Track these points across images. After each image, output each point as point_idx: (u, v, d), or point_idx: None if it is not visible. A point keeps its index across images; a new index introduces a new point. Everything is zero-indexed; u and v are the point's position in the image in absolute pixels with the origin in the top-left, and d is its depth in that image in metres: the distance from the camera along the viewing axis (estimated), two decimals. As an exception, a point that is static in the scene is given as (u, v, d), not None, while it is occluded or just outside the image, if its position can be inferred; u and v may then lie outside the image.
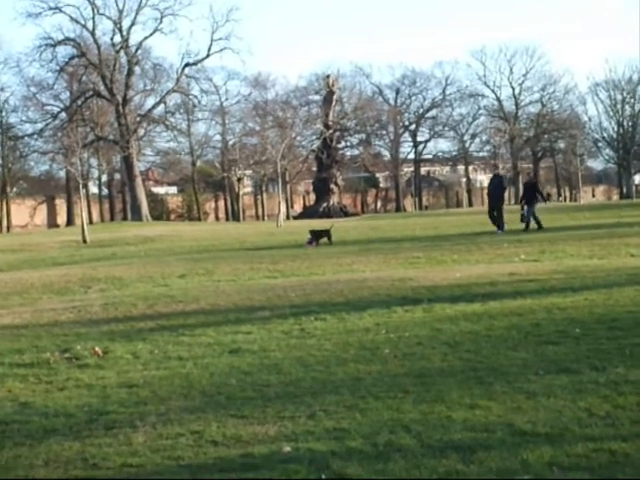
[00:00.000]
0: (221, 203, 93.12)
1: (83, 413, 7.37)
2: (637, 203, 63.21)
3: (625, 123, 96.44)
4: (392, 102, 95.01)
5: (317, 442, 6.17)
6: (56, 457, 6.20)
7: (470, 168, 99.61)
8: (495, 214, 29.27)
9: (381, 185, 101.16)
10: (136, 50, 72.22)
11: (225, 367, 8.89)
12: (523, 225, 28.93)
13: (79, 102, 72.84)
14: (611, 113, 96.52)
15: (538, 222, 29.05)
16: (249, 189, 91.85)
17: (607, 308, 10.93)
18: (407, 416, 6.68)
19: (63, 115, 72.80)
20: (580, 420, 6.36)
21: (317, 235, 27.93)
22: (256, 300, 13.34)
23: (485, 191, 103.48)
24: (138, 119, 73.75)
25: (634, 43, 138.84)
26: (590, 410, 6.59)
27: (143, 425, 6.86)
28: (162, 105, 75.49)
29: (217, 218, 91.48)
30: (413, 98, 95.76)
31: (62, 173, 79.02)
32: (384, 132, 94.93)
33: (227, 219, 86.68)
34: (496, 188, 29.83)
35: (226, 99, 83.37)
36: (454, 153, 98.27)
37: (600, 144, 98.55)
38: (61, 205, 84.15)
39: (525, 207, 29.35)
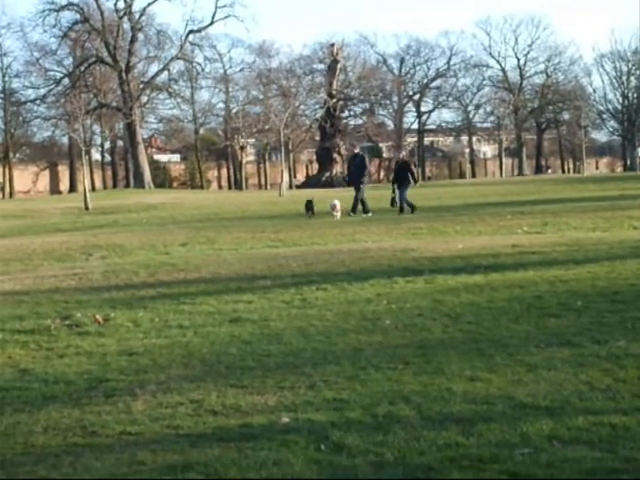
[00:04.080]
0: (224, 171, 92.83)
1: (83, 380, 7.36)
2: (641, 176, 63.00)
3: (630, 95, 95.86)
4: (396, 72, 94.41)
5: (316, 413, 6.15)
6: (55, 424, 6.19)
7: (474, 139, 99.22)
8: (355, 195, 27.13)
9: (384, 155, 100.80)
10: (140, 16, 71.73)
11: (225, 336, 8.88)
12: (396, 208, 26.82)
13: (82, 68, 72.44)
14: (616, 85, 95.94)
15: (411, 205, 26.77)
16: (252, 157, 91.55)
17: (609, 281, 10.90)
18: (407, 387, 6.67)
19: (66, 81, 72.50)
20: (581, 393, 6.34)
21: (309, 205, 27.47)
22: (257, 269, 13.32)
23: (488, 162, 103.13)
24: (141, 86, 73.40)
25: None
26: (591, 383, 6.57)
27: (143, 393, 6.85)
28: (165, 72, 75.14)
29: (220, 186, 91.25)
30: (417, 68, 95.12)
31: (65, 139, 78.72)
32: (388, 102, 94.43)
33: (230, 187, 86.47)
34: (357, 168, 27.78)
35: (230, 67, 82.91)
36: (458, 123, 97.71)
37: (604, 116, 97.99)
38: (64, 171, 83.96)
39: (397, 190, 27.03)
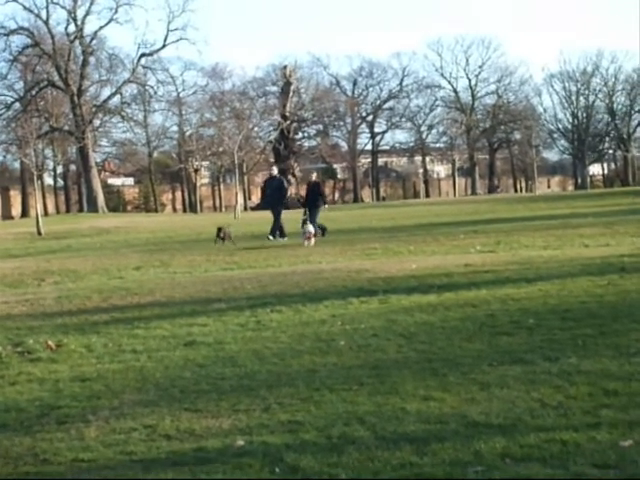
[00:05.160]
0: (178, 194, 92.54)
1: (35, 408, 7.28)
2: (591, 194, 63.89)
3: (579, 114, 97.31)
4: (349, 93, 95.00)
5: (271, 435, 6.14)
6: (6, 452, 6.11)
7: (427, 159, 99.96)
8: (275, 218, 26.21)
9: (339, 176, 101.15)
10: (91, 40, 71.46)
11: (180, 360, 8.83)
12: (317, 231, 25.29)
13: (33, 92, 71.96)
14: (566, 104, 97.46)
15: (322, 228, 26.19)
16: (206, 180, 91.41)
17: (560, 299, 11.02)
18: (361, 408, 6.68)
19: (17, 105, 71.91)
20: (533, 410, 6.40)
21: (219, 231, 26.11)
22: (212, 292, 13.28)
23: (441, 182, 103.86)
24: (94, 110, 72.97)
25: (588, 35, 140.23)
26: (543, 400, 6.63)
27: (96, 419, 6.79)
28: (118, 96, 74.86)
29: (174, 209, 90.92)
30: (370, 89, 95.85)
31: (17, 164, 78.14)
32: (341, 123, 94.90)
33: (184, 210, 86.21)
34: (275, 191, 26.76)
35: (183, 90, 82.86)
36: (411, 144, 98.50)
37: (555, 135, 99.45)
38: (15, 196, 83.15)
39: (308, 212, 25.61)
